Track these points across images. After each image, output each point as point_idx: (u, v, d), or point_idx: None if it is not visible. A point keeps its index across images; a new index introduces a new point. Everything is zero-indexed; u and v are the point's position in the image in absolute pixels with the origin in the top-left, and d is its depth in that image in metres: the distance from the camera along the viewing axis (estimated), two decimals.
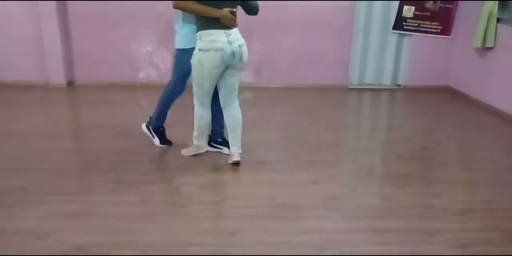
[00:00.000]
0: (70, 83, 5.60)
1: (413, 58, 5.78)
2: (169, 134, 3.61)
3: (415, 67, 5.81)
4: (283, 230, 2.43)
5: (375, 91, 5.81)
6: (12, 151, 3.46)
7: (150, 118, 3.57)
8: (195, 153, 3.38)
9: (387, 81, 5.90)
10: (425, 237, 2.38)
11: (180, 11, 2.96)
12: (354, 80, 5.86)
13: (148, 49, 5.60)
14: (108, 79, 5.60)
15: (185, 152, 3.41)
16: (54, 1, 5.19)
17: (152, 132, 3.55)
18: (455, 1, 5.51)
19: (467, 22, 5.34)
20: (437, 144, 3.89)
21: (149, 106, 5.04)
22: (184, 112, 3.61)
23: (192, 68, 3.00)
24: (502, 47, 4.76)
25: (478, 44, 4.93)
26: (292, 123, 4.37)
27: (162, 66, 5.68)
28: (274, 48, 5.64)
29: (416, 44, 5.73)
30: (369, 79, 5.88)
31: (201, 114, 3.22)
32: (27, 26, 5.35)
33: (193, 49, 2.98)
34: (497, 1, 4.71)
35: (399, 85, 5.94)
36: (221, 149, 3.42)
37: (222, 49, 2.88)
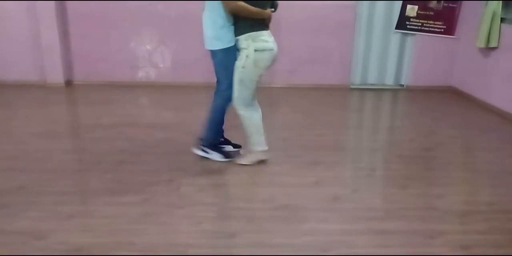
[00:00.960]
0: (69, 82, 5.58)
1: (416, 58, 5.75)
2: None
3: (418, 67, 5.78)
4: (283, 231, 2.40)
5: (378, 91, 5.78)
6: (10, 151, 3.45)
7: (200, 139, 3.29)
8: (259, 159, 3.25)
9: (389, 81, 5.87)
10: (427, 239, 2.36)
11: (217, 12, 2.88)
12: (356, 80, 5.83)
13: (148, 48, 5.58)
14: (107, 78, 5.59)
15: (246, 160, 3.23)
16: (53, 0, 5.17)
17: (209, 150, 3.27)
18: (459, 1, 5.48)
19: (471, 22, 5.31)
20: (440, 145, 3.86)
21: (148, 106, 5.06)
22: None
23: (242, 70, 2.95)
24: (506, 47, 4.72)
25: (481, 44, 4.89)
26: (293, 123, 4.35)
27: (161, 65, 5.67)
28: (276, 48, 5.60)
29: (419, 43, 5.69)
30: (372, 79, 5.85)
31: (251, 116, 3.12)
32: (25, 25, 5.34)
33: (233, 47, 2.97)
34: (501, 1, 4.68)
35: (402, 85, 5.91)
36: (224, 147, 3.40)
37: (272, 49, 2.99)
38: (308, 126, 4.25)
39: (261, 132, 3.19)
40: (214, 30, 2.94)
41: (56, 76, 5.45)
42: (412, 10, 5.55)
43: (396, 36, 5.67)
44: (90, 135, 3.87)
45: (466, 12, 5.47)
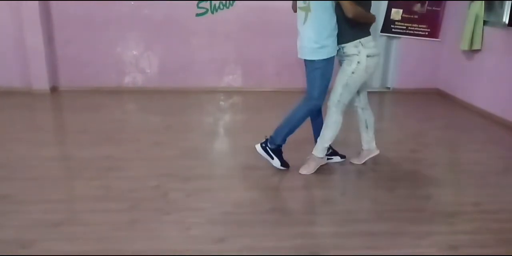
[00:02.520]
0: (54, 88, 5.52)
1: (401, 60, 5.80)
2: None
3: (403, 70, 5.84)
4: (272, 235, 2.40)
5: None
6: None
7: (270, 137, 3.18)
8: (318, 167, 3.21)
9: (376, 84, 5.91)
10: (415, 240, 2.37)
11: (323, 20, 2.88)
12: None
13: (134, 53, 5.55)
14: (93, 83, 5.54)
15: (307, 169, 3.17)
16: (37, 3, 5.10)
17: (272, 153, 3.17)
18: (443, 4, 5.55)
19: (455, 24, 5.38)
20: (426, 146, 3.90)
21: (135, 111, 5.03)
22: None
23: (352, 75, 2.95)
24: (489, 49, 4.79)
25: (465, 46, 4.96)
26: None
27: (148, 71, 5.63)
28: (263, 51, 5.62)
29: (405, 47, 5.75)
30: None
31: (339, 123, 3.13)
32: (8, 30, 5.24)
33: (333, 58, 2.98)
34: (483, 4, 4.75)
35: (388, 88, 5.96)
36: (332, 158, 3.40)
37: (380, 54, 3.08)
38: (297, 130, 4.24)
39: (332, 141, 3.18)
40: (320, 40, 2.91)
41: (41, 82, 5.36)
42: (396, 13, 5.61)
43: (381, 40, 5.73)
44: (76, 142, 3.83)
45: (449, 15, 5.55)
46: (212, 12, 5.41)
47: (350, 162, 3.38)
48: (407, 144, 3.93)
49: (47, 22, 5.32)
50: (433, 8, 5.58)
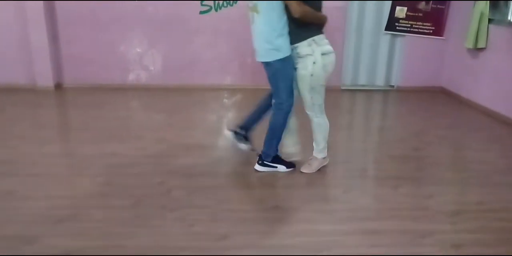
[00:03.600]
0: (58, 85, 5.54)
1: (405, 59, 5.79)
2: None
3: (408, 68, 5.82)
4: (275, 233, 2.41)
5: (368, 92, 5.81)
6: None
7: (262, 152, 3.14)
8: (320, 166, 3.20)
9: (380, 82, 5.90)
10: (418, 239, 2.37)
11: (274, 20, 2.80)
12: (347, 81, 5.85)
13: (138, 50, 5.56)
14: (97, 81, 5.55)
15: (309, 168, 3.16)
16: (42, 2, 5.13)
17: (272, 164, 3.16)
18: (447, 2, 5.53)
19: (459, 23, 5.36)
20: (430, 145, 3.89)
21: (139, 108, 5.04)
22: None
23: (312, 78, 2.87)
24: (494, 48, 4.77)
25: (470, 44, 4.94)
26: None
27: (152, 68, 5.64)
28: None
29: (409, 45, 5.73)
30: (362, 80, 5.88)
31: (325, 123, 3.08)
32: (14, 28, 5.27)
33: (290, 56, 2.89)
34: (488, 2, 4.73)
35: (392, 86, 5.94)
36: (240, 143, 3.30)
37: (334, 52, 2.97)
38: (299, 128, 4.25)
39: (326, 140, 3.15)
40: (271, 41, 2.83)
41: (46, 80, 5.39)
42: (401, 11, 5.59)
43: (385, 38, 5.71)
44: (80, 138, 3.84)
45: (454, 13, 5.52)
46: (216, 10, 5.40)
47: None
48: (411, 142, 3.92)
49: (52, 20, 5.34)
50: (438, 6, 5.56)
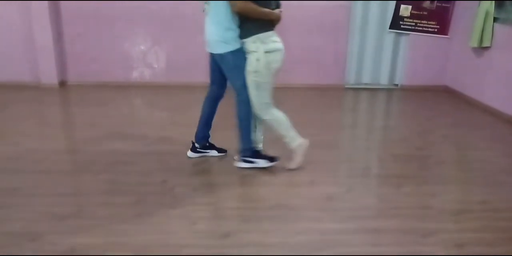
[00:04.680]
0: (63, 83, 5.56)
1: (410, 57, 5.77)
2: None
3: (412, 67, 5.80)
4: (278, 231, 2.41)
5: (372, 90, 5.79)
6: (4, 152, 3.43)
7: (240, 150, 3.18)
8: (305, 153, 3.16)
9: (384, 80, 5.89)
10: (421, 238, 2.37)
11: (220, 13, 2.83)
12: (350, 79, 5.84)
13: (142, 48, 5.57)
14: (101, 78, 5.57)
15: (294, 163, 3.15)
16: (46, 0, 5.14)
17: (252, 159, 3.16)
18: (452, 1, 5.50)
19: (464, 21, 5.33)
20: (433, 144, 3.88)
21: (143, 106, 5.05)
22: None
23: (256, 74, 2.88)
24: (499, 47, 4.75)
25: (475, 43, 4.92)
26: None
27: (156, 66, 5.65)
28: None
29: (413, 43, 5.71)
30: (366, 78, 5.86)
31: (277, 117, 3.05)
32: (19, 25, 5.30)
33: (242, 49, 2.91)
34: (493, 1, 4.70)
35: (396, 85, 5.93)
36: (208, 152, 3.37)
37: (281, 49, 2.95)
38: (303, 126, 4.22)
39: (291, 128, 3.10)
40: (219, 33, 2.87)
41: (50, 77, 5.42)
42: (405, 10, 5.57)
43: (390, 36, 5.69)
44: (84, 136, 3.85)
45: (459, 11, 5.50)
46: None
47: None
48: (414, 141, 3.91)
49: (56, 18, 5.35)
50: (443, 4, 5.54)
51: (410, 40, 5.71)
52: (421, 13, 5.57)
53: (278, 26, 5.60)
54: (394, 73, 5.89)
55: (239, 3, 2.72)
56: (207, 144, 3.37)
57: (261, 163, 3.16)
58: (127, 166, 3.19)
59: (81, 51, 5.51)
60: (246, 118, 3.07)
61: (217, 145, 3.40)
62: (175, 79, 5.62)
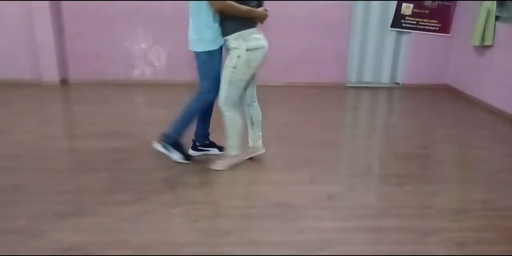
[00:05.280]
0: (64, 81, 5.56)
1: (411, 56, 5.76)
2: None
3: (413, 65, 5.80)
4: (279, 229, 2.40)
5: (373, 89, 5.79)
6: (4, 150, 3.43)
7: (166, 133, 3.17)
8: (234, 164, 3.16)
9: (385, 79, 5.88)
10: (422, 237, 2.36)
11: (200, 11, 2.85)
12: (352, 78, 5.84)
13: (143, 46, 5.56)
14: (102, 76, 5.57)
15: (221, 166, 3.13)
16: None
17: (170, 147, 3.16)
18: None
19: (466, 20, 5.32)
20: (434, 143, 3.88)
21: (143, 104, 5.04)
22: None
23: (234, 70, 2.87)
24: (501, 45, 4.74)
25: (476, 42, 4.91)
26: (288, 121, 4.34)
27: (157, 64, 5.65)
28: (271, 46, 5.58)
29: (415, 42, 5.70)
30: (367, 77, 5.86)
31: (236, 118, 3.04)
32: (20, 23, 5.30)
33: (218, 49, 2.92)
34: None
35: (397, 83, 5.92)
36: (209, 150, 3.37)
37: (264, 47, 2.94)
38: (304, 124, 4.25)
39: (240, 136, 3.11)
40: (199, 31, 2.90)
41: (51, 75, 5.42)
42: (407, 8, 5.55)
43: (391, 34, 5.68)
44: (85, 134, 3.85)
45: (461, 10, 5.49)
46: None
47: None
48: (415, 140, 3.91)
49: (57, 16, 5.35)
50: (444, 3, 5.53)
51: (411, 39, 5.70)
52: (423, 11, 5.56)
53: (279, 25, 5.61)
54: (395, 72, 5.88)
55: (218, 3, 2.74)
56: (207, 142, 3.36)
57: (175, 156, 3.17)
58: (127, 164, 3.19)
59: (82, 49, 5.50)
60: (193, 114, 3.12)
61: (217, 144, 3.40)
62: (176, 77, 5.62)
